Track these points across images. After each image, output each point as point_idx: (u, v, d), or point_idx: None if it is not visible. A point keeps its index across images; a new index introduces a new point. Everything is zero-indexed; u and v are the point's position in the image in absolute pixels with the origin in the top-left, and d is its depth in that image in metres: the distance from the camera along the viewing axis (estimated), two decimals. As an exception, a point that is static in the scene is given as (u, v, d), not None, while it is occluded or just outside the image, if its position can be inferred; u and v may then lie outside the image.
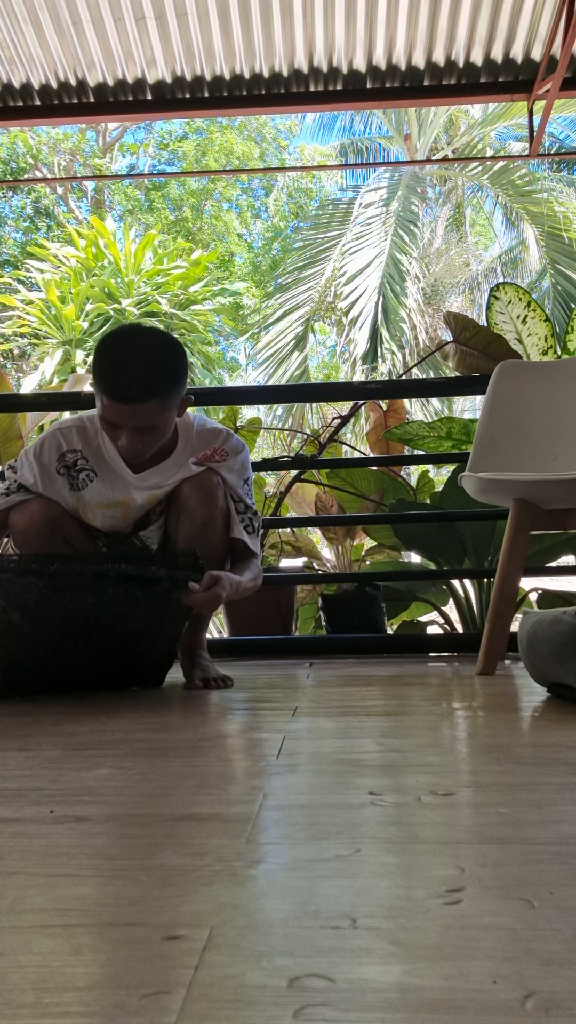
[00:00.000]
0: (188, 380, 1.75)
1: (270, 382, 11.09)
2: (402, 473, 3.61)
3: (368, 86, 3.87)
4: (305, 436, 3.59)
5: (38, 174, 14.71)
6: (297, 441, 5.85)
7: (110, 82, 3.86)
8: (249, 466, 1.89)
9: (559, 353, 2.95)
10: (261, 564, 1.91)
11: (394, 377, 9.52)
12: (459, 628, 2.96)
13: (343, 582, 2.85)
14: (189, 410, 1.84)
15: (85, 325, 9.50)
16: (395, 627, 3.12)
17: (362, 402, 3.36)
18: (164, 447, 1.78)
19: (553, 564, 2.87)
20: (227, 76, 3.82)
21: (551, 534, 2.76)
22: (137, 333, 1.71)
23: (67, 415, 2.16)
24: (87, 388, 3.31)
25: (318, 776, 1.07)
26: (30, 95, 3.91)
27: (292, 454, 3.04)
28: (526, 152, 5.27)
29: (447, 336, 2.97)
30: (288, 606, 2.77)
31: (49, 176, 14.66)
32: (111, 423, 1.65)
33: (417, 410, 10.46)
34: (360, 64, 3.79)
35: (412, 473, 5.18)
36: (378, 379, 9.41)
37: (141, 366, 1.60)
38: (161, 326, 9.69)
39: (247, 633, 2.65)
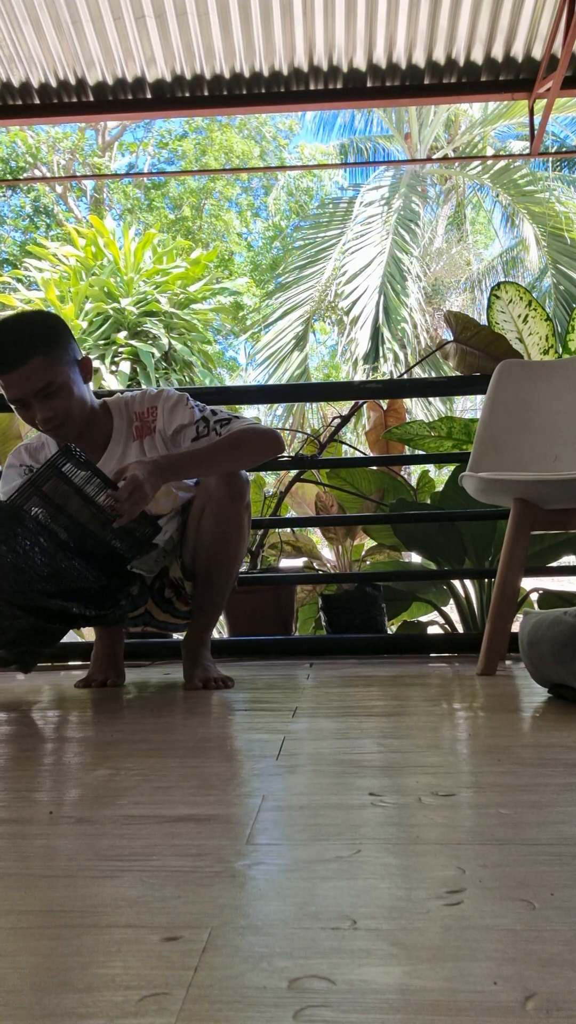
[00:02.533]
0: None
1: (270, 382, 11.08)
2: (402, 473, 3.61)
3: (368, 85, 3.87)
4: (305, 436, 3.59)
5: (37, 173, 14.70)
6: (297, 441, 5.84)
7: (109, 81, 3.86)
8: (178, 393, 1.84)
9: (560, 352, 2.94)
10: (227, 442, 1.73)
11: (395, 377, 9.52)
12: (460, 628, 2.96)
13: (343, 582, 2.84)
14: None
15: (84, 324, 9.49)
16: (395, 627, 3.12)
17: (362, 402, 3.36)
18: (102, 432, 1.79)
19: (554, 564, 2.87)
20: (227, 75, 3.82)
21: (552, 534, 2.76)
22: (6, 316, 1.75)
23: None
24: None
25: (318, 777, 1.07)
26: (29, 94, 3.90)
27: (292, 454, 3.04)
28: (527, 151, 5.26)
29: (448, 335, 2.97)
30: (288, 606, 2.77)
31: (48, 175, 14.65)
32: (15, 402, 1.68)
33: (418, 410, 10.46)
34: (360, 63, 3.79)
35: (412, 473, 5.18)
36: (378, 379, 9.40)
37: (12, 333, 1.65)
38: (161, 325, 9.70)
39: (247, 633, 2.65)
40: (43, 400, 1.67)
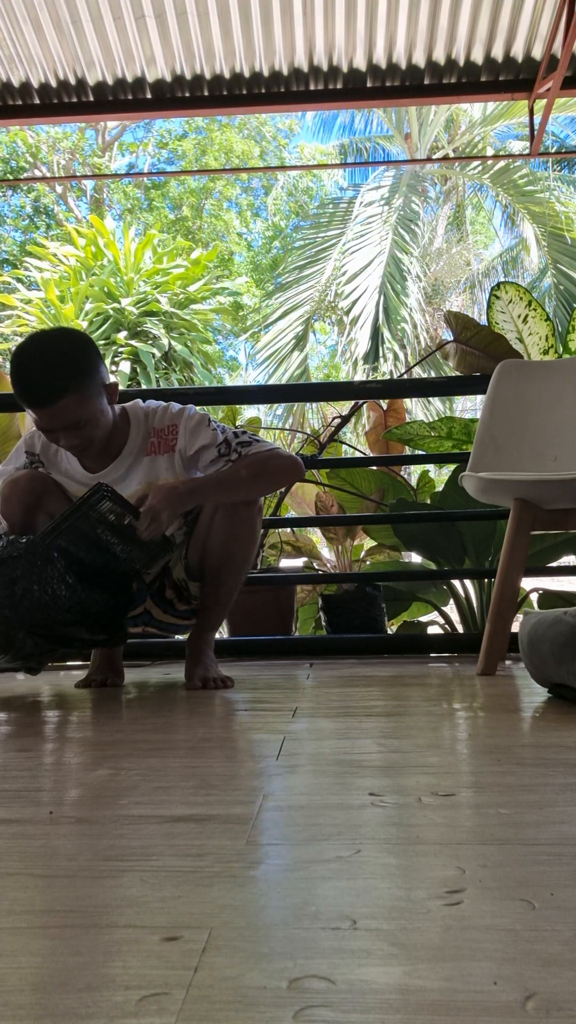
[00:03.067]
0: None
1: (270, 382, 11.08)
2: (402, 473, 3.61)
3: (368, 85, 3.87)
4: (305, 436, 3.59)
5: (37, 173, 14.70)
6: (297, 441, 5.84)
7: (109, 81, 3.86)
8: (199, 412, 1.83)
9: (560, 353, 2.94)
10: (247, 468, 1.73)
11: (395, 377, 9.52)
12: (460, 628, 2.96)
13: (343, 582, 2.84)
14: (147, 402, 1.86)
15: (84, 324, 9.48)
16: (395, 627, 3.12)
17: (362, 402, 3.36)
18: (116, 441, 1.79)
19: (554, 564, 2.87)
20: (227, 75, 3.82)
21: (552, 534, 2.76)
22: (36, 339, 1.71)
23: None
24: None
25: (318, 777, 1.07)
26: (29, 94, 3.90)
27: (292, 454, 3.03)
28: (527, 151, 5.26)
29: (448, 335, 2.97)
30: (288, 606, 2.77)
31: (48, 175, 14.65)
32: (43, 430, 1.69)
33: (418, 410, 10.46)
34: (360, 63, 3.79)
35: (412, 473, 5.17)
36: (378, 379, 9.40)
37: (43, 368, 1.63)
38: (161, 325, 9.70)
39: (247, 633, 2.65)
40: (70, 431, 1.67)
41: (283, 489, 3.00)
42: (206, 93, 3.88)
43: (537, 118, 4.10)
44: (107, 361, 9.18)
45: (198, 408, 1.86)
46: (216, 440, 1.77)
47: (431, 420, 2.84)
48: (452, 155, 12.76)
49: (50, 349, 1.67)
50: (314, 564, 3.28)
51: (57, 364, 1.63)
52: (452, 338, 2.84)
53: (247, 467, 1.73)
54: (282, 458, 1.78)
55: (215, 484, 1.73)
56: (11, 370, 1.65)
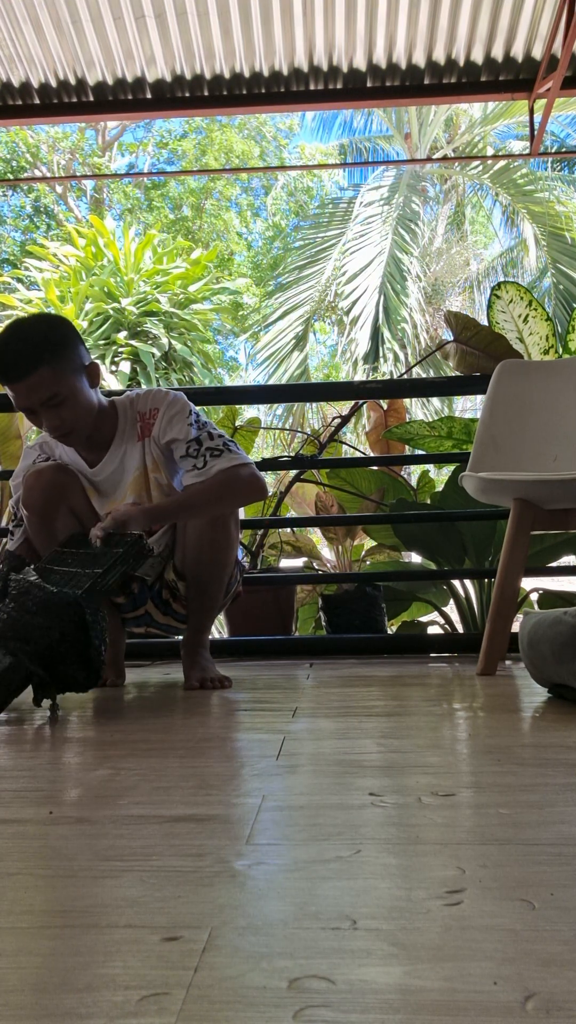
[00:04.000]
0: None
1: (270, 382, 11.08)
2: (402, 473, 3.61)
3: (368, 85, 3.87)
4: (305, 436, 3.59)
5: (37, 173, 14.70)
6: (297, 441, 5.84)
7: (109, 81, 3.86)
8: (184, 402, 1.82)
9: (560, 353, 2.94)
10: (213, 488, 1.73)
11: (395, 377, 9.52)
12: (460, 628, 2.96)
13: (343, 582, 2.84)
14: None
15: (84, 324, 9.49)
16: (395, 627, 3.11)
17: (362, 402, 3.36)
18: (106, 430, 1.80)
19: (554, 564, 2.87)
20: (227, 75, 3.82)
21: (552, 534, 2.76)
22: (14, 321, 1.73)
23: None
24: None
25: (318, 777, 1.07)
26: (29, 94, 3.91)
27: (292, 454, 3.04)
28: (527, 151, 5.26)
29: (448, 335, 2.97)
30: (288, 606, 2.77)
31: (48, 175, 14.65)
32: (24, 410, 1.69)
33: (417, 410, 10.46)
34: (360, 63, 3.79)
35: (412, 473, 5.17)
36: (378, 379, 9.40)
37: (17, 342, 1.64)
38: (161, 325, 9.70)
39: (247, 633, 2.65)
40: (49, 409, 1.68)
41: (283, 489, 3.01)
42: (206, 93, 3.88)
43: (537, 118, 4.10)
44: (107, 361, 9.18)
45: (177, 393, 1.86)
46: (188, 436, 1.77)
47: (431, 420, 2.83)
48: (452, 155, 12.76)
49: (25, 325, 1.69)
50: (314, 564, 3.28)
51: (31, 337, 1.65)
52: (452, 338, 2.84)
53: (212, 488, 1.73)
54: (246, 480, 1.76)
55: (179, 506, 1.75)
56: None
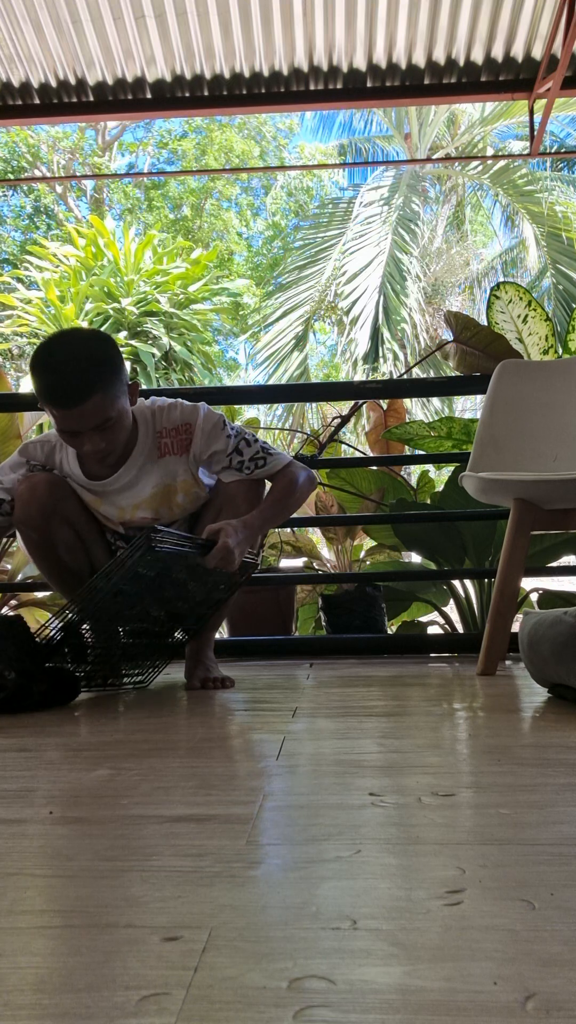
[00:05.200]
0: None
1: (270, 382, 11.08)
2: (402, 473, 3.61)
3: (368, 85, 3.87)
4: (305, 436, 3.58)
5: (37, 173, 14.70)
6: (297, 441, 5.84)
7: (109, 81, 3.86)
8: (216, 414, 1.81)
9: (560, 353, 2.94)
10: (284, 496, 1.80)
11: (395, 377, 9.52)
12: (460, 628, 2.96)
13: (343, 582, 2.84)
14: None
15: (85, 324, 9.49)
16: (395, 627, 3.11)
17: (362, 402, 3.36)
18: (126, 444, 1.76)
19: (554, 564, 2.87)
20: (227, 75, 3.82)
21: (552, 534, 2.76)
22: (59, 338, 1.67)
23: None
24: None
25: (318, 777, 1.07)
26: (29, 94, 3.90)
27: (292, 454, 3.03)
28: (527, 151, 5.26)
29: (448, 335, 2.97)
30: (288, 606, 2.77)
31: (48, 175, 14.65)
32: (68, 432, 1.63)
33: (417, 410, 10.46)
34: (360, 63, 3.79)
35: (412, 473, 5.17)
36: (378, 379, 9.40)
37: (71, 366, 1.58)
38: (161, 325, 9.70)
39: (247, 633, 2.65)
40: (97, 434, 1.63)
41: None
42: (206, 93, 3.88)
43: (537, 118, 4.10)
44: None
45: (211, 407, 1.83)
46: (228, 448, 1.77)
47: (431, 420, 2.83)
48: (452, 155, 12.75)
49: (76, 346, 1.63)
50: (314, 564, 3.28)
51: (84, 361, 1.59)
52: (452, 338, 2.84)
53: (281, 493, 1.78)
54: (306, 481, 1.82)
55: (269, 516, 1.78)
56: (36, 370, 1.60)
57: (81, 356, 1.60)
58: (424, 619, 3.13)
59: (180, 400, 1.83)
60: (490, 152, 12.40)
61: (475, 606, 2.90)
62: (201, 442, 1.77)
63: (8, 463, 1.85)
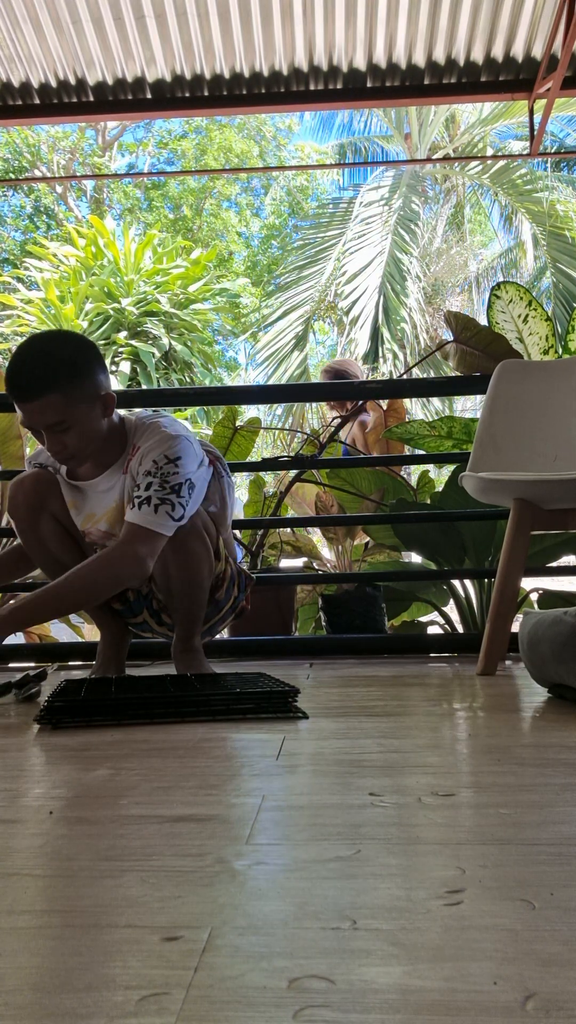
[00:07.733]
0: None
1: (270, 382, 11.08)
2: (402, 473, 3.61)
3: (368, 85, 3.87)
4: (305, 436, 3.58)
5: (37, 173, 14.71)
6: (297, 441, 5.84)
7: (109, 81, 3.86)
8: (172, 444, 1.70)
9: (560, 352, 2.94)
10: (81, 578, 1.61)
11: (395, 377, 9.52)
12: (460, 628, 2.96)
13: (343, 582, 2.84)
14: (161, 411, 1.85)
15: (85, 324, 9.49)
16: (395, 627, 3.11)
17: (362, 402, 3.36)
18: (112, 451, 1.75)
19: (554, 564, 2.87)
20: (227, 75, 3.82)
21: (552, 534, 2.76)
22: (40, 335, 1.68)
23: None
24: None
25: (318, 777, 1.07)
26: (29, 94, 3.91)
27: (292, 454, 3.03)
28: (526, 151, 5.26)
29: (448, 335, 2.97)
30: (288, 606, 2.77)
31: (48, 175, 14.66)
32: (26, 426, 1.65)
33: (417, 410, 10.46)
34: (360, 63, 3.79)
35: (412, 473, 5.17)
36: (378, 379, 9.40)
37: (36, 361, 1.60)
38: (161, 325, 9.70)
39: (247, 633, 2.65)
40: (53, 434, 1.64)
41: (283, 489, 3.00)
42: (206, 93, 3.89)
43: (537, 118, 4.10)
44: (107, 361, 9.18)
45: (177, 433, 1.71)
46: (145, 490, 1.67)
47: (431, 420, 2.83)
48: (452, 155, 12.76)
49: (47, 344, 1.64)
50: (314, 564, 3.27)
51: (50, 359, 1.60)
52: (452, 338, 2.84)
53: (83, 572, 1.61)
54: (127, 570, 1.63)
55: (34, 608, 1.60)
56: (9, 362, 1.64)
57: (49, 353, 1.61)
58: (424, 619, 3.12)
59: (159, 420, 1.76)
60: (490, 152, 12.40)
61: (475, 606, 2.90)
62: (135, 463, 1.73)
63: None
